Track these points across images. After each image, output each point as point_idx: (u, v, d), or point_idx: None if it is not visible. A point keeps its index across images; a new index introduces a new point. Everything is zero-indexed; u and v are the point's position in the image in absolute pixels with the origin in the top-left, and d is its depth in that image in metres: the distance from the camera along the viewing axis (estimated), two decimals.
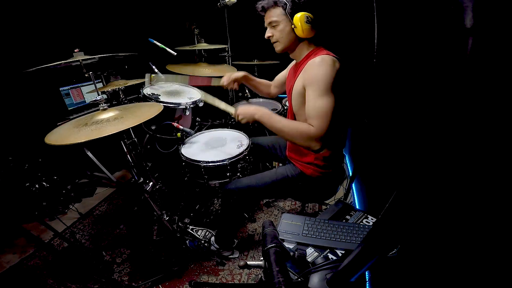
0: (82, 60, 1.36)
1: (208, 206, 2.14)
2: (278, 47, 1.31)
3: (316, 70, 1.18)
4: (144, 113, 1.29)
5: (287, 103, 2.29)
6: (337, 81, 1.17)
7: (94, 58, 1.31)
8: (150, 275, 1.58)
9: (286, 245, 0.99)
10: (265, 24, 1.31)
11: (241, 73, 1.67)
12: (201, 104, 1.81)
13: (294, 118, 1.40)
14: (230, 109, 1.44)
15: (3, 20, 1.95)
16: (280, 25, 1.24)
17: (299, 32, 1.21)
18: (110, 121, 1.23)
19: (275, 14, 1.24)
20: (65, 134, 1.19)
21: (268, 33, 1.30)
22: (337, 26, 1.81)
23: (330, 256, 0.94)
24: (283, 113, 2.27)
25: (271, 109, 2.25)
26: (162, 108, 1.32)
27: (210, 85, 1.75)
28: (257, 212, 2.13)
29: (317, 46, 1.31)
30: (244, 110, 1.31)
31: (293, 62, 1.48)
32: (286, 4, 1.20)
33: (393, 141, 1.35)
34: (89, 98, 2.34)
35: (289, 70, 1.52)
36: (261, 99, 2.57)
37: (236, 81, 1.66)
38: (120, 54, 1.39)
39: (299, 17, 1.18)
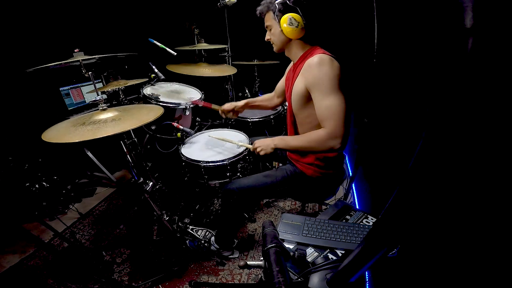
0: (82, 60, 1.36)
1: (208, 206, 2.14)
2: (274, 48, 1.39)
3: (317, 71, 1.19)
4: (143, 115, 1.28)
5: (287, 103, 2.30)
6: (342, 77, 1.20)
7: (94, 58, 1.31)
8: (150, 275, 1.58)
9: (286, 245, 0.99)
10: (265, 27, 1.38)
11: (242, 103, 1.71)
12: (201, 104, 1.81)
13: (293, 118, 1.41)
14: (247, 145, 1.54)
15: (3, 20, 1.95)
16: (273, 28, 1.32)
17: (285, 33, 1.26)
18: (108, 122, 1.21)
19: (269, 18, 1.31)
20: (62, 132, 1.18)
21: (267, 36, 1.38)
22: (331, 26, 1.81)
23: (330, 256, 0.94)
24: (283, 113, 2.26)
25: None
26: (161, 111, 1.32)
27: (211, 108, 1.76)
28: (257, 212, 2.13)
29: (313, 45, 1.32)
30: (261, 143, 1.39)
31: (291, 64, 1.48)
32: (275, 7, 1.25)
33: (393, 141, 1.35)
34: (89, 98, 2.34)
35: (287, 71, 1.53)
36: None
37: (237, 110, 1.71)
38: (120, 54, 1.39)
39: (283, 19, 1.22)
